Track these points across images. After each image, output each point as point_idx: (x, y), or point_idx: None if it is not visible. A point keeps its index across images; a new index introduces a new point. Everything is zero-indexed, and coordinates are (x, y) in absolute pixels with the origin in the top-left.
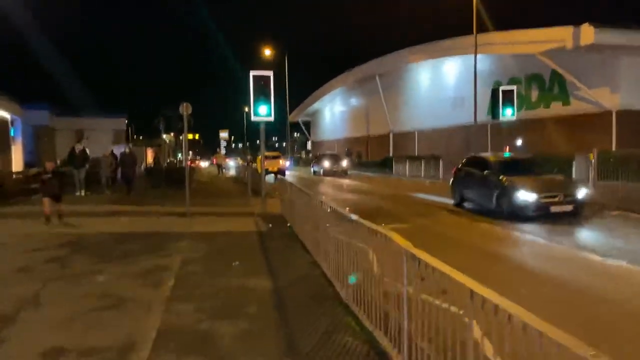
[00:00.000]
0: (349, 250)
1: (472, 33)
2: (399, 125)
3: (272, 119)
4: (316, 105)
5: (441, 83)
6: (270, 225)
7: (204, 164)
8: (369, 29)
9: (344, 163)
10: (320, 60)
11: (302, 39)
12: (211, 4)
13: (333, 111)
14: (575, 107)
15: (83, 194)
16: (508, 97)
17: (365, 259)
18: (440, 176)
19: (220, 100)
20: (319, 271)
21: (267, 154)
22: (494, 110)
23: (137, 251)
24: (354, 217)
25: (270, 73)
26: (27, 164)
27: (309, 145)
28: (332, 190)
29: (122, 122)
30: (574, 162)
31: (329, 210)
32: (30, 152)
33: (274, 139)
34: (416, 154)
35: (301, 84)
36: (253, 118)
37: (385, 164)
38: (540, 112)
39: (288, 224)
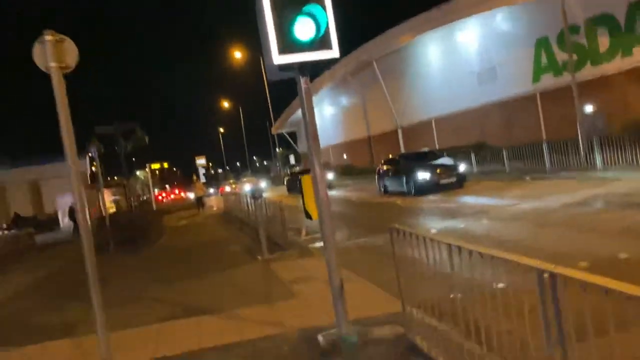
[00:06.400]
0: None
1: None
2: (407, 118)
3: (336, 53)
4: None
5: (459, 56)
6: None
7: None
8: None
9: (461, 167)
10: None
11: None
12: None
13: (322, 114)
14: None
15: None
16: None
17: None
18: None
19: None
20: None
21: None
22: None
23: None
24: None
25: None
26: None
27: (292, 159)
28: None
29: (82, 164)
30: None
31: None
32: None
33: (254, 158)
34: (437, 147)
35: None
36: (276, 60)
37: None
38: (614, 65)
39: None
